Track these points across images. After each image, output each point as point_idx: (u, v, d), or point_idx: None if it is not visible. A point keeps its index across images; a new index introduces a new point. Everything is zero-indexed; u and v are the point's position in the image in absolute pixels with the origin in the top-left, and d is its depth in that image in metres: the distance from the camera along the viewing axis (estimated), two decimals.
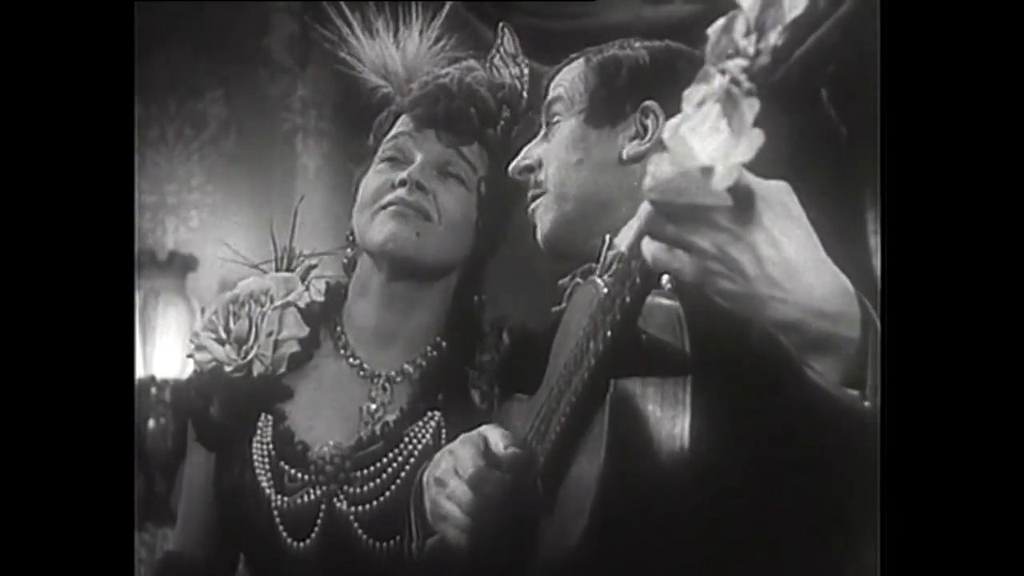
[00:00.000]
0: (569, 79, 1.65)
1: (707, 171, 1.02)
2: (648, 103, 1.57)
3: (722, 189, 1.03)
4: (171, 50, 4.58)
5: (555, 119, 1.62)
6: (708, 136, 1.02)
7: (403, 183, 1.74)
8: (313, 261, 1.88)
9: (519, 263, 1.92)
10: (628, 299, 1.21)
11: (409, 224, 1.73)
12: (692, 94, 1.04)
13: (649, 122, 1.58)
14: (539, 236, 1.63)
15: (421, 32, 1.85)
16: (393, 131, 1.80)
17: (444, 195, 1.75)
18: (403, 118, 1.81)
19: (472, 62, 1.86)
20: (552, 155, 1.62)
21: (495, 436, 1.43)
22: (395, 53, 1.85)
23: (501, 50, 1.87)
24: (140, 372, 4.14)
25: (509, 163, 1.67)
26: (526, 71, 1.86)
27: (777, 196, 1.09)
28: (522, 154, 1.65)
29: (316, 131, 4.51)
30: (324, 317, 1.83)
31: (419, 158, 1.76)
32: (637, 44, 1.66)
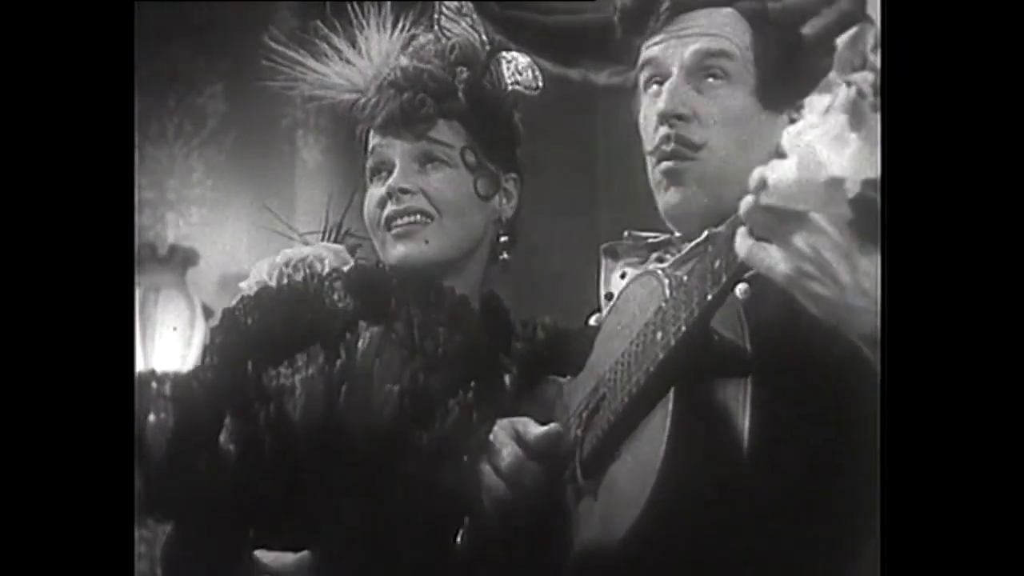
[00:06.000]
0: (733, 31, 1.51)
1: (836, 182, 1.01)
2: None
3: (846, 201, 1.01)
4: (171, 45, 4.57)
5: (715, 74, 1.51)
6: (836, 146, 1.00)
7: (389, 195, 1.74)
8: (359, 241, 1.87)
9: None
10: (710, 296, 1.19)
11: (416, 238, 1.73)
12: (815, 102, 1.03)
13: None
14: (668, 201, 1.52)
15: (379, 29, 1.81)
16: (370, 146, 1.80)
17: (431, 186, 1.74)
18: (372, 131, 1.80)
19: (420, 37, 1.83)
20: (712, 118, 1.50)
21: (526, 425, 1.42)
22: (358, 61, 1.82)
23: (444, 10, 1.85)
24: (140, 367, 4.14)
25: (638, 104, 1.56)
26: (475, 17, 1.85)
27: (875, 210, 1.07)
28: (666, 96, 1.51)
29: (315, 127, 4.50)
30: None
31: (397, 163, 1.75)
32: None
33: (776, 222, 1.08)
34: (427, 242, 1.73)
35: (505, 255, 1.81)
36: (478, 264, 1.79)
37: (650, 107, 1.56)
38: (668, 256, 1.55)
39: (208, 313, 4.19)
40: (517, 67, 1.83)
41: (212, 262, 4.45)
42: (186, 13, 4.43)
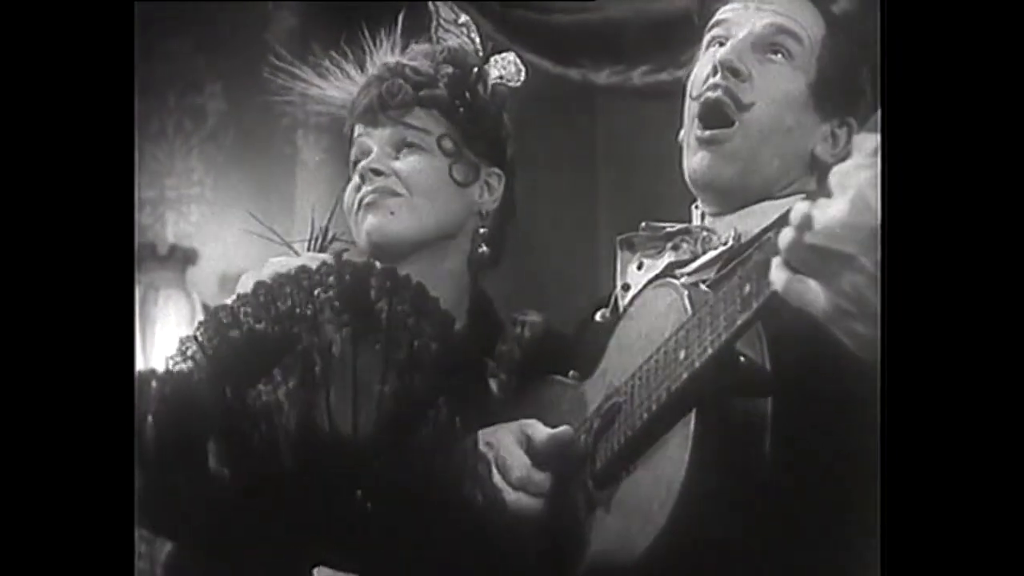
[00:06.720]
0: (810, 22, 1.52)
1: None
2: (850, 119, 1.49)
3: None
4: (171, 44, 4.57)
5: (780, 51, 1.51)
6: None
7: (362, 178, 1.76)
8: (345, 246, 1.88)
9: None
10: (739, 322, 1.16)
11: (381, 210, 1.75)
12: (864, 141, 1.00)
13: (842, 133, 1.51)
14: (694, 165, 1.53)
15: (392, 48, 1.84)
16: (353, 137, 1.83)
17: (404, 168, 1.76)
18: (355, 125, 1.83)
19: (415, 46, 1.85)
20: (766, 92, 1.50)
21: (535, 430, 1.41)
22: (361, 79, 1.84)
23: (441, 22, 1.87)
24: (140, 366, 4.14)
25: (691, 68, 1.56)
26: (472, 26, 1.87)
27: None
28: (728, 48, 1.51)
29: (315, 126, 4.50)
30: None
31: (374, 148, 1.78)
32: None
33: (819, 261, 1.04)
34: (392, 213, 1.74)
35: (484, 248, 1.82)
36: (459, 254, 1.80)
37: (706, 60, 1.56)
38: (684, 245, 1.54)
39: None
40: (502, 64, 1.85)
41: (212, 261, 4.45)
42: (186, 12, 4.44)
